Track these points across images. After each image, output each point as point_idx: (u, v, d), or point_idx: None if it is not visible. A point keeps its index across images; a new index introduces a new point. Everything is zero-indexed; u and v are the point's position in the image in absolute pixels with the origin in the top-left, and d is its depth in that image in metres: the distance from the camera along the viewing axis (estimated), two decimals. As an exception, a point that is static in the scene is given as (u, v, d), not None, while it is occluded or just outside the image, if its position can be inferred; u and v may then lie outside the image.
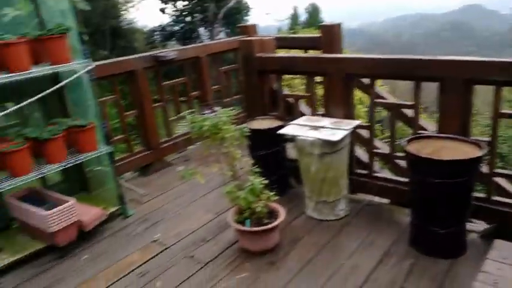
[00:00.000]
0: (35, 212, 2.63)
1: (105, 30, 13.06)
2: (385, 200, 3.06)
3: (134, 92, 3.82)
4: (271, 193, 2.47)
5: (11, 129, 2.96)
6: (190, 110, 2.56)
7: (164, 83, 4.10)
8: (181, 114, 2.78)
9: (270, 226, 2.40)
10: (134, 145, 4.03)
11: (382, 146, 3.19)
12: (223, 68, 4.74)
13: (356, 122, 2.85)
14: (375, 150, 3.01)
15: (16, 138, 2.69)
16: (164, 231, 2.93)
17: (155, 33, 18.94)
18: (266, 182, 2.43)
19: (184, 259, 2.59)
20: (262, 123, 3.14)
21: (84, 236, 2.87)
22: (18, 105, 2.58)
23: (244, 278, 2.35)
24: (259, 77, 3.35)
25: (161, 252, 2.69)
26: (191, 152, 4.39)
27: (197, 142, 4.32)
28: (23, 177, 2.58)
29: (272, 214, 2.56)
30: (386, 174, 3.13)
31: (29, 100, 2.56)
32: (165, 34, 18.63)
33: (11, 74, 2.48)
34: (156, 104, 4.02)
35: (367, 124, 2.99)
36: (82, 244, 2.85)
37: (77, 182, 3.32)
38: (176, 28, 18.61)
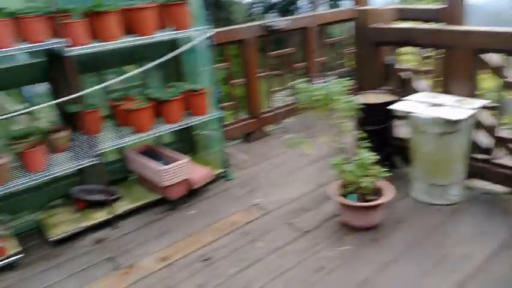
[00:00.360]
0: (152, 166, 2.92)
1: (209, 2, 13.53)
2: (505, 189, 2.81)
3: (242, 60, 3.95)
4: (382, 169, 2.42)
5: (133, 90, 3.30)
6: (300, 80, 2.58)
7: (271, 53, 4.18)
8: (291, 83, 2.81)
9: (376, 203, 2.38)
10: (236, 113, 4.20)
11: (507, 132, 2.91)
12: (329, 39, 4.67)
13: (481, 102, 2.63)
14: (500, 135, 2.76)
15: (140, 98, 2.99)
16: (264, 197, 3.06)
17: (254, 5, 19.12)
18: (376, 157, 2.38)
19: (284, 225, 2.70)
20: (373, 98, 3.05)
21: (192, 193, 3.12)
22: (143, 68, 2.85)
23: (346, 250, 2.38)
24: (373, 49, 3.24)
25: (262, 216, 2.83)
26: (289, 124, 4.46)
27: (297, 114, 4.37)
28: (145, 134, 2.87)
29: (378, 191, 2.52)
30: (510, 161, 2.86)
31: (153, 63, 2.81)
32: (265, 6, 18.70)
33: (138, 38, 2.72)
34: (261, 74, 4.12)
35: (493, 105, 2.74)
36: (190, 200, 3.11)
37: (186, 144, 3.59)
38: (276, 0, 18.55)
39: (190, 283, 2.29)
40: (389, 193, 2.48)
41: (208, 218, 2.89)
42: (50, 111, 3.32)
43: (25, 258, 2.60)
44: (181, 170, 2.91)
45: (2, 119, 2.76)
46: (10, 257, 2.55)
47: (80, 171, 3.08)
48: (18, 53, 2.36)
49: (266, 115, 4.22)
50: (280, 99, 4.49)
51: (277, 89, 4.34)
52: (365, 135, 2.48)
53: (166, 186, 2.89)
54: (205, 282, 2.27)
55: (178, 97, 2.90)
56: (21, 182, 2.47)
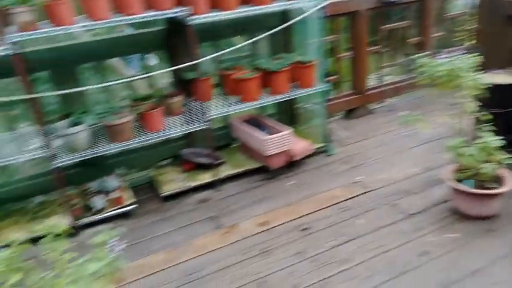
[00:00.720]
0: (256, 135, 3.05)
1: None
2: None
3: (352, 33, 3.86)
4: (506, 156, 2.23)
5: (242, 60, 3.43)
6: (421, 54, 2.45)
7: (382, 26, 4.01)
8: (409, 58, 2.69)
9: (497, 191, 2.21)
10: (340, 88, 4.15)
11: None
12: (450, 13, 4.33)
13: None
14: None
15: (248, 68, 3.10)
16: (366, 175, 3.02)
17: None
18: (501, 142, 2.20)
19: (387, 206, 2.65)
20: (500, 78, 2.78)
21: (292, 164, 3.20)
22: (256, 38, 2.94)
23: (455, 238, 2.27)
24: (504, 24, 2.94)
25: (363, 193, 2.81)
26: (396, 102, 4.28)
27: (405, 93, 4.18)
28: (252, 103, 2.99)
29: (497, 179, 2.34)
30: None
31: (265, 33, 2.88)
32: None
33: (254, 7, 2.80)
34: (371, 48, 3.99)
35: None
36: (289, 171, 3.19)
37: (287, 116, 3.66)
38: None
39: (289, 249, 2.38)
40: (511, 182, 2.28)
41: (306, 190, 2.95)
42: (164, 78, 3.62)
43: (138, 209, 2.92)
44: (284, 140, 2.99)
45: (126, 82, 3.09)
46: (126, 207, 2.89)
47: (189, 135, 3.33)
48: (147, 20, 2.58)
49: (371, 92, 4.10)
50: (389, 75, 4.32)
51: (386, 64, 4.18)
52: (489, 117, 2.30)
53: (268, 156, 3.00)
54: (304, 251, 2.35)
55: (286, 68, 2.95)
56: (141, 140, 2.76)
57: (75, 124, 2.62)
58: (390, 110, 4.12)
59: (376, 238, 2.37)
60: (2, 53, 2.22)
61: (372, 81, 4.20)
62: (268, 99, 3.01)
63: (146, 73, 3.29)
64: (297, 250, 2.37)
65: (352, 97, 4.00)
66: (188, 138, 3.41)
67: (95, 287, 1.10)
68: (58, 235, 1.22)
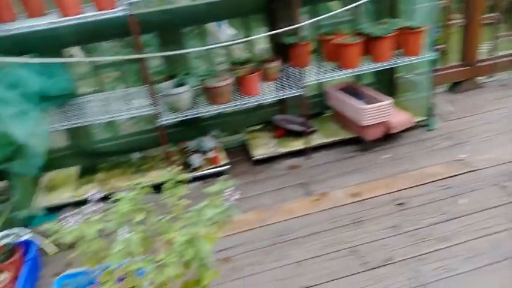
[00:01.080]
0: (353, 104, 3.00)
1: None
2: None
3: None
4: None
5: (341, 25, 3.35)
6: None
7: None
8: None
9: None
10: (446, 58, 3.88)
11: None
12: None
13: None
14: None
15: (349, 33, 3.03)
16: (471, 153, 2.86)
17: None
18: None
19: (495, 187, 2.50)
20: None
21: (388, 137, 3.12)
22: (358, 2, 2.84)
23: None
24: None
25: (467, 172, 2.67)
26: (509, 77, 3.90)
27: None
28: (351, 70, 2.93)
29: None
30: None
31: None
32: None
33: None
34: (487, 15, 3.65)
35: None
36: (384, 144, 3.12)
37: (386, 86, 3.53)
38: None
39: (383, 222, 2.37)
40: None
41: (402, 165, 2.87)
42: (262, 43, 3.67)
43: (230, 170, 3.07)
44: (383, 111, 2.91)
45: (226, 46, 3.20)
46: (220, 167, 3.06)
47: (282, 102, 3.39)
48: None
49: (482, 64, 3.78)
50: (504, 47, 3.94)
51: (502, 34, 3.81)
52: None
53: (365, 126, 2.95)
54: (399, 225, 2.33)
55: (392, 34, 2.84)
56: (237, 104, 2.87)
57: (179, 85, 2.80)
58: (502, 85, 3.78)
59: (481, 219, 2.26)
60: (120, 14, 2.42)
61: (483, 52, 3.86)
62: (369, 67, 2.94)
63: (242, 38, 3.37)
64: (392, 224, 2.35)
65: (459, 69, 3.72)
66: (281, 105, 3.47)
67: (210, 231, 1.21)
68: (178, 182, 1.35)
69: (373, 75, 3.52)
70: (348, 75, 2.99)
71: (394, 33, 2.85)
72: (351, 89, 3.24)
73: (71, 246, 1.33)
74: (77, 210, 1.24)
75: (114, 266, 1.12)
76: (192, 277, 1.35)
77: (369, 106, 2.87)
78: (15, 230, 2.51)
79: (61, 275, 2.23)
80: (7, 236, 2.40)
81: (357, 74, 3.02)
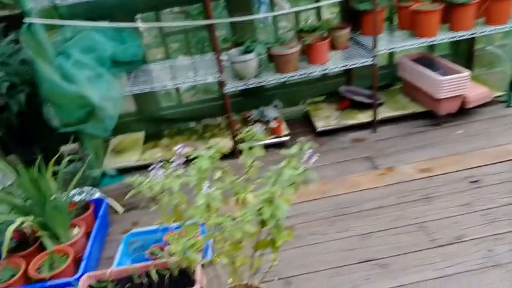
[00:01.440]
0: (429, 75, 2.88)
1: None
2: None
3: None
4: None
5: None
6: None
7: None
8: None
9: None
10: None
11: None
12: None
13: None
14: None
15: (426, 0, 2.89)
16: (557, 133, 2.68)
17: None
18: None
19: None
20: None
21: (463, 112, 2.99)
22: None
23: None
24: None
25: (551, 152, 2.52)
26: None
27: None
28: (428, 39, 2.80)
29: None
30: None
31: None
32: None
33: None
34: None
35: None
36: (458, 119, 3.00)
37: (463, 58, 3.36)
38: None
39: (454, 199, 2.31)
40: None
41: (477, 141, 2.75)
42: (331, 9, 3.60)
43: (292, 141, 3.08)
44: (460, 84, 2.78)
45: (294, 12, 3.17)
46: (282, 137, 3.08)
47: (348, 72, 3.33)
48: None
49: None
50: None
51: None
52: None
53: (439, 99, 2.83)
54: (471, 203, 2.25)
55: (475, 1, 2.67)
56: (304, 72, 2.85)
57: (246, 52, 2.82)
58: None
59: None
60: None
61: None
62: (448, 36, 2.79)
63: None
64: (464, 201, 2.28)
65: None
66: (346, 76, 3.42)
67: (288, 192, 1.25)
68: (251, 148, 1.39)
69: (450, 46, 3.35)
70: (423, 45, 2.87)
71: (478, 0, 2.68)
72: (426, 60, 3.11)
73: (152, 200, 1.42)
74: (161, 164, 1.32)
75: (197, 219, 1.18)
76: (264, 237, 1.40)
77: (446, 78, 2.75)
78: (87, 188, 2.70)
79: (128, 233, 2.40)
80: (80, 193, 2.58)
81: (433, 44, 2.87)
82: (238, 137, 1.45)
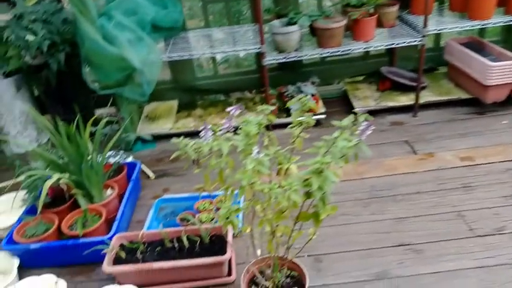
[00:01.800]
0: (479, 60, 2.78)
1: None
2: None
3: None
4: None
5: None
6: None
7: None
8: None
9: None
10: None
11: None
12: None
13: None
14: None
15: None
16: None
17: None
18: None
19: None
20: None
21: (510, 101, 2.89)
22: None
23: None
24: None
25: None
26: None
27: None
28: (481, 22, 2.70)
29: None
30: None
31: None
32: None
33: None
34: None
35: None
36: (505, 108, 2.90)
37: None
38: None
39: (496, 190, 2.25)
40: None
41: (525, 133, 2.67)
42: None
43: (327, 120, 3.05)
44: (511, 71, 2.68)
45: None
46: (318, 115, 3.05)
47: (391, 53, 3.25)
48: None
49: None
50: None
51: None
52: None
53: (487, 86, 2.74)
54: (514, 196, 2.20)
55: (538, -18, 2.55)
56: (348, 48, 2.80)
57: (289, 24, 2.78)
58: None
59: None
60: None
61: None
62: (504, 20, 2.68)
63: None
64: (507, 193, 2.22)
65: None
66: (389, 56, 3.34)
67: (339, 164, 1.23)
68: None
69: (502, 31, 3.22)
70: (475, 28, 2.77)
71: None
72: (476, 44, 3.01)
73: (195, 162, 1.42)
74: (209, 126, 1.32)
75: (244, 183, 1.19)
76: (307, 209, 1.39)
77: (497, 64, 2.65)
78: (121, 151, 2.74)
79: (159, 198, 2.45)
80: (115, 156, 2.63)
81: (483, 28, 2.77)
82: (288, 104, 1.44)
